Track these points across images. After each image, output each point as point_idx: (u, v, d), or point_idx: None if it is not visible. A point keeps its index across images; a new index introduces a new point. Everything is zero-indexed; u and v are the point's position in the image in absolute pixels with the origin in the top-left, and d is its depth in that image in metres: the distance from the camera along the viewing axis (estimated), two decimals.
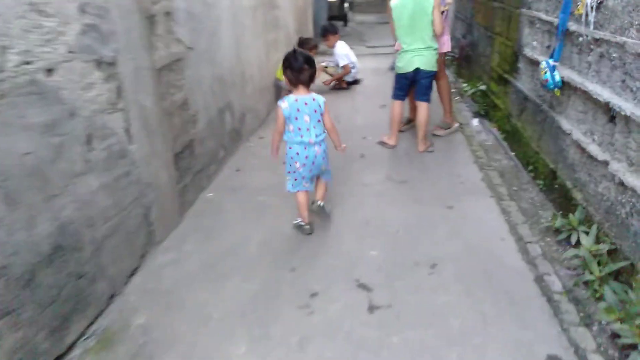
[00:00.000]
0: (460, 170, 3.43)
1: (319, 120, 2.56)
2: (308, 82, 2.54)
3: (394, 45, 3.97)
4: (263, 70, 4.84)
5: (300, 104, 2.50)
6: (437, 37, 3.62)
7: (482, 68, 4.73)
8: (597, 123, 2.34)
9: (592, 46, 2.39)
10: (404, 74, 3.73)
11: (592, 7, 2.33)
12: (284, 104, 2.51)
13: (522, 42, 3.42)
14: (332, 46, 5.77)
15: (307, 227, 2.73)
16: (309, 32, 8.15)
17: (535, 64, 3.12)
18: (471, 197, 3.03)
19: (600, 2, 2.29)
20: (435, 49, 3.62)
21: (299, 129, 2.54)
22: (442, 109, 4.25)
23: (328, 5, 10.27)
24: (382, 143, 3.98)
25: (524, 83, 3.43)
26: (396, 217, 2.85)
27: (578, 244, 2.32)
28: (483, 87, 4.41)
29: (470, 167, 3.46)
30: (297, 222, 2.77)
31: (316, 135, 2.56)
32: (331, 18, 11.12)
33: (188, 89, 3.00)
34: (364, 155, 3.80)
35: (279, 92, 5.06)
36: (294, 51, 2.53)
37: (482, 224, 2.72)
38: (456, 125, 4.17)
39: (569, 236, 2.40)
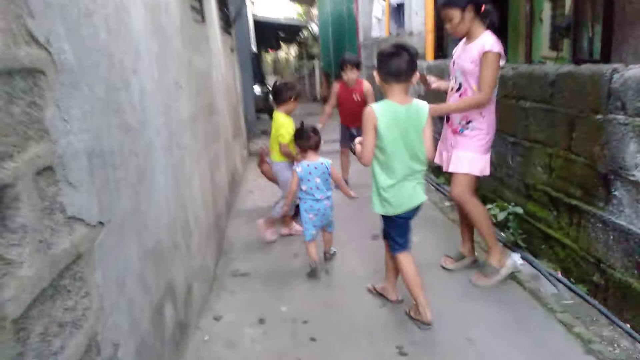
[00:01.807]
0: None
1: (326, 180, 3.17)
2: (315, 148, 3.20)
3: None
4: (209, 201, 3.33)
5: (312, 168, 3.13)
6: (429, 158, 2.47)
7: (503, 183, 3.63)
8: None
9: None
10: (408, 212, 2.46)
11: None
12: (299, 168, 3.14)
13: (623, 162, 2.32)
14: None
15: (316, 265, 3.16)
16: (243, 132, 6.83)
17: None
18: None
19: None
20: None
21: (311, 188, 3.13)
22: (463, 243, 3.19)
23: (254, 101, 9.14)
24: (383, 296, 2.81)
25: (632, 220, 2.29)
26: None
27: None
28: (519, 210, 3.27)
29: None
30: (311, 266, 3.17)
31: (325, 191, 3.16)
32: (258, 112, 9.99)
33: (97, 312, 1.42)
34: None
35: (262, 161, 4.35)
36: (302, 125, 3.32)
37: None
38: (506, 268, 2.91)
39: None
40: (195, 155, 3.03)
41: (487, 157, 2.87)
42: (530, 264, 3.11)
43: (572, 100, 2.71)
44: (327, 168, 3.17)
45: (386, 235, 2.60)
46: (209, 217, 3.30)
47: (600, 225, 2.53)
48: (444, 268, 3.17)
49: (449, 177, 4.41)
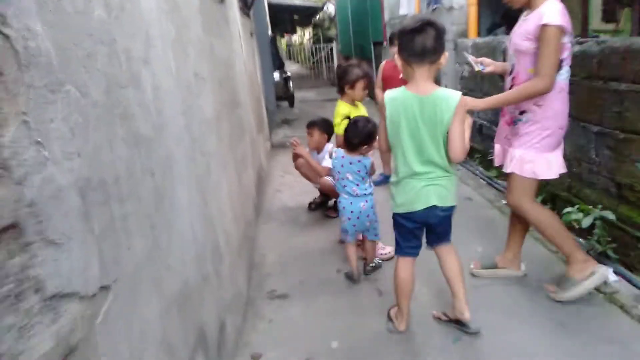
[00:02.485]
0: None
1: (363, 178, 2.72)
2: (357, 150, 2.69)
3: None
4: (238, 211, 2.86)
5: (346, 162, 2.71)
6: (454, 161, 2.05)
7: (582, 180, 3.07)
8: None
9: None
10: (409, 214, 2.14)
11: None
12: (334, 154, 2.82)
13: None
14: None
15: (354, 272, 2.83)
16: (265, 123, 6.33)
17: None
18: None
19: None
20: (454, 175, 2.14)
21: (344, 179, 2.74)
22: (506, 249, 2.79)
23: (275, 88, 8.62)
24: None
25: None
26: None
27: None
28: (609, 215, 2.71)
29: None
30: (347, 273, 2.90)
31: (360, 189, 2.72)
32: (277, 99, 9.49)
33: None
34: None
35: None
36: (356, 122, 2.69)
37: None
38: (592, 280, 2.39)
39: None
40: (222, 160, 2.55)
41: (555, 155, 2.34)
42: (629, 281, 2.57)
43: None
44: (366, 167, 2.71)
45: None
46: (239, 230, 2.83)
47: None
48: (473, 275, 2.79)
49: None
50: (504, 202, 3.93)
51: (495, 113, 4.30)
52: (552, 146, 2.32)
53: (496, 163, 2.58)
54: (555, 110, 2.27)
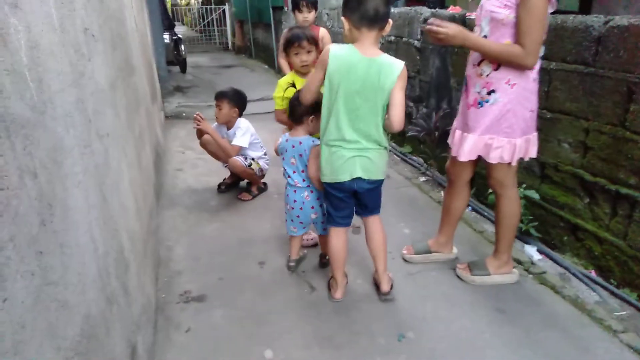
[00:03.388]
0: None
1: (307, 165, 2.33)
2: (300, 122, 2.33)
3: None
4: (140, 201, 2.36)
5: (289, 145, 2.35)
6: (393, 129, 2.00)
7: None
8: None
9: None
10: (337, 184, 2.12)
11: None
12: (279, 139, 2.43)
13: None
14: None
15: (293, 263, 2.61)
16: (158, 92, 5.63)
17: None
18: None
19: None
20: (386, 148, 2.09)
21: (288, 165, 2.39)
22: (439, 234, 2.69)
23: (165, 51, 7.76)
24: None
25: None
26: None
27: None
28: (534, 195, 2.73)
29: None
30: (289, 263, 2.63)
31: (303, 180, 2.37)
32: (168, 64, 8.63)
33: None
34: None
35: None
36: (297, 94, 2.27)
37: None
38: (501, 277, 2.43)
39: None
40: (121, 140, 2.04)
41: (525, 140, 2.12)
42: (553, 259, 2.62)
43: (632, 63, 2.13)
44: (306, 151, 2.32)
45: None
46: (143, 225, 2.35)
47: None
48: (405, 261, 2.68)
49: (430, 152, 3.80)
50: (422, 179, 3.88)
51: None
52: (523, 131, 2.10)
53: (454, 152, 2.29)
54: (528, 90, 2.04)
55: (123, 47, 2.64)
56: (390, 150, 4.56)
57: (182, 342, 2.10)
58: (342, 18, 1.96)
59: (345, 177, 2.07)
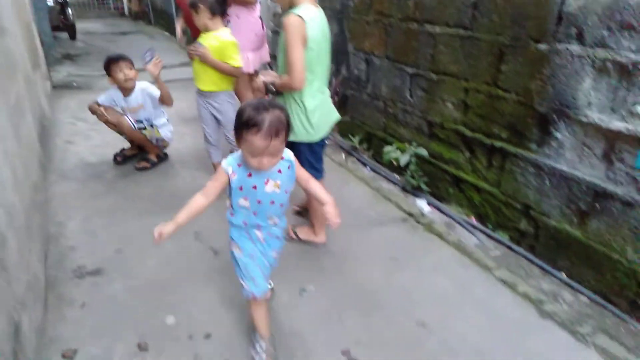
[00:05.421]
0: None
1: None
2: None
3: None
4: (20, 173, 2.18)
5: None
6: None
7: (398, 120, 3.24)
8: None
9: None
10: (324, 135, 2.29)
11: None
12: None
13: (572, 100, 2.05)
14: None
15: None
16: (41, 58, 5.14)
17: (610, 136, 1.84)
18: None
19: None
20: None
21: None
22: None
23: (49, 15, 7.05)
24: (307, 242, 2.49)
25: (585, 167, 2.07)
26: None
27: None
28: (423, 152, 2.92)
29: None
30: None
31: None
32: (54, 29, 7.88)
33: None
34: None
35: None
36: None
37: None
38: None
39: None
40: None
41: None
42: (440, 210, 2.85)
43: (502, 27, 2.32)
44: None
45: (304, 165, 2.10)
46: (24, 199, 2.18)
47: (532, 169, 2.30)
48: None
49: None
50: None
51: None
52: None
53: None
54: None
55: None
56: None
57: (76, 317, 2.02)
58: None
59: (335, 116, 2.34)
